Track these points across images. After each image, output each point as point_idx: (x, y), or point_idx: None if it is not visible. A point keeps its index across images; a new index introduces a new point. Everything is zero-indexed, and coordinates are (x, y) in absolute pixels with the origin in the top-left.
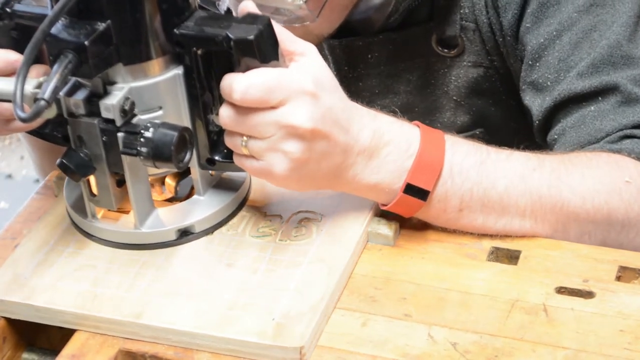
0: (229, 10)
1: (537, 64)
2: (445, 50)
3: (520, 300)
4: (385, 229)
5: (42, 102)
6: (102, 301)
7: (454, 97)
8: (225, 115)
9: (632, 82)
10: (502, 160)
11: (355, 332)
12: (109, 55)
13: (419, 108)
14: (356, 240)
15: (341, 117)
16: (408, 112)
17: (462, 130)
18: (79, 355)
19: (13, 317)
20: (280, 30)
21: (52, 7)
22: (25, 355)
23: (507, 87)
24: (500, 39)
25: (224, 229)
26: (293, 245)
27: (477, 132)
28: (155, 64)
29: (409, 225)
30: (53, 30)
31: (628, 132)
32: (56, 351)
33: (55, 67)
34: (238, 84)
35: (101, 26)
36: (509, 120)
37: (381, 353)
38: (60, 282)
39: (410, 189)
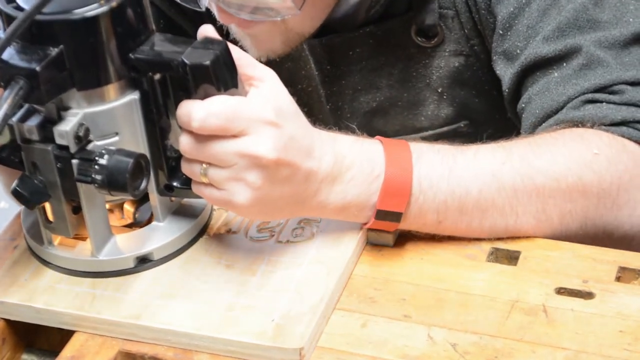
0: (208, 10)
1: (508, 34)
2: (425, 41)
3: (520, 301)
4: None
5: None
6: (101, 302)
7: (437, 89)
8: (185, 142)
9: (595, 44)
10: (469, 162)
11: (355, 333)
12: (62, 80)
13: (402, 102)
14: (355, 241)
15: (303, 145)
16: (392, 107)
17: (446, 124)
18: (79, 356)
19: (12, 318)
20: (238, 55)
21: (5, 31)
22: (24, 356)
23: (489, 77)
24: (476, 16)
25: (223, 230)
26: (292, 246)
27: (462, 125)
28: (111, 88)
29: None
30: (4, 56)
31: (590, 96)
32: (55, 352)
33: (6, 93)
34: (196, 113)
35: (54, 51)
36: (493, 112)
37: (381, 354)
38: (59, 283)
39: (382, 214)
